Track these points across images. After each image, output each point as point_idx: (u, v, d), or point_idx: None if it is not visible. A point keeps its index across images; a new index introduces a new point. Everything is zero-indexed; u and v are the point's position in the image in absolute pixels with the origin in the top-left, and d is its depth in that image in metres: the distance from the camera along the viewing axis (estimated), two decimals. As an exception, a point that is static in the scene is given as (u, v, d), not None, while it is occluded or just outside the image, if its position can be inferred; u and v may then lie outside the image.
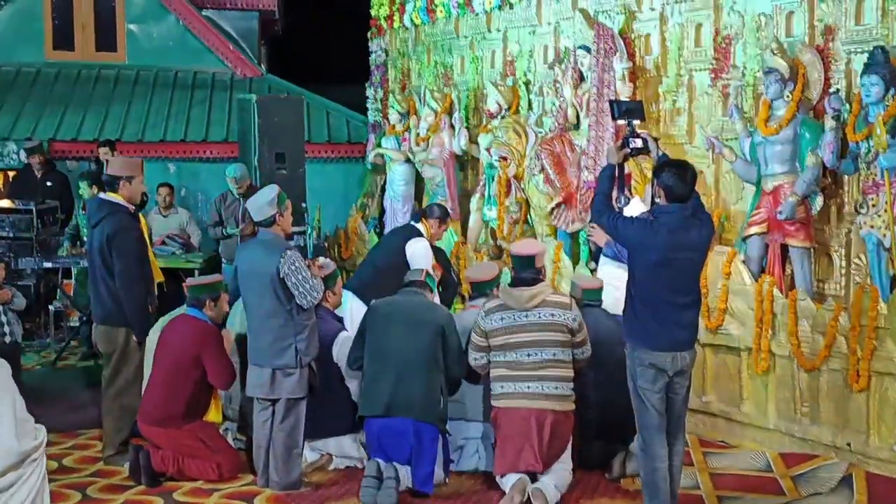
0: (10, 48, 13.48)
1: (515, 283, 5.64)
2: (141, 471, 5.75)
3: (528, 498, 5.31)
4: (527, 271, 5.62)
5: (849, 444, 5.69)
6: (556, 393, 5.50)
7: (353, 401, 6.02)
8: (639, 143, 5.25)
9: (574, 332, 5.53)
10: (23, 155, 11.42)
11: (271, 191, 5.67)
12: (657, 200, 4.92)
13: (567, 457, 5.59)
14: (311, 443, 5.95)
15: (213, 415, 6.08)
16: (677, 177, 4.78)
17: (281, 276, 5.44)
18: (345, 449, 6.03)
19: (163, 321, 6.34)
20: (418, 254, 6.89)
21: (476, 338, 5.64)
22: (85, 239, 8.14)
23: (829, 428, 5.84)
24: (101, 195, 6.15)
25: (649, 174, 6.82)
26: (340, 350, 5.98)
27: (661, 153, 5.23)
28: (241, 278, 5.69)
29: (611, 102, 5.72)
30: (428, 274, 6.15)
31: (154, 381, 5.94)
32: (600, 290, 6.15)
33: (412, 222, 7.48)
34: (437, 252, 7.31)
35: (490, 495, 5.60)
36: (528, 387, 5.49)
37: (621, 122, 5.52)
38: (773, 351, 6.10)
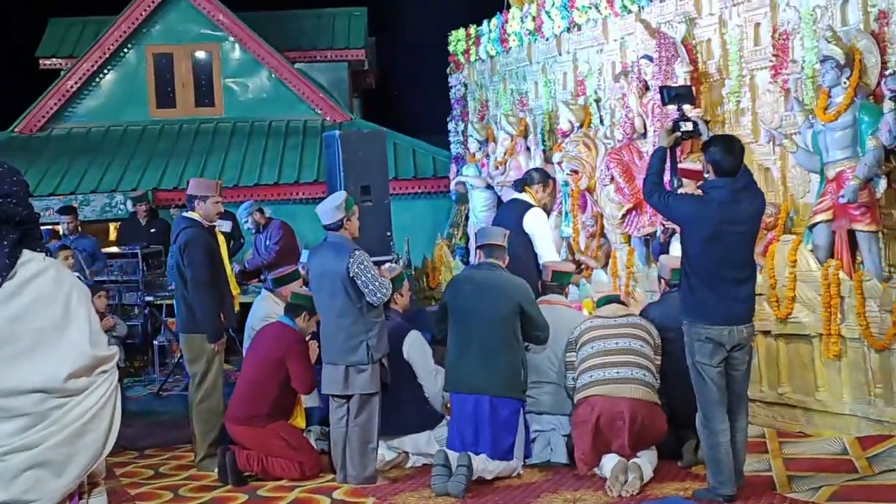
0: (117, 109, 14.48)
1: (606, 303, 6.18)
2: (228, 470, 6.06)
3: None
4: (615, 300, 6.22)
5: (924, 422, 5.60)
6: (644, 379, 5.70)
7: (427, 398, 6.24)
8: (689, 126, 5.39)
9: (656, 347, 5.89)
10: (129, 205, 12.16)
11: (339, 196, 6.00)
12: (706, 176, 5.03)
13: (654, 451, 5.73)
14: (387, 442, 6.16)
15: (298, 420, 6.37)
16: (724, 150, 4.89)
17: (351, 275, 5.72)
18: (421, 447, 6.22)
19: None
20: (539, 225, 6.85)
21: (569, 355, 6.03)
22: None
23: (903, 407, 5.76)
24: (182, 213, 6.64)
25: None
26: (411, 349, 6.21)
27: (710, 135, 5.36)
28: (313, 280, 6.01)
29: (661, 88, 5.87)
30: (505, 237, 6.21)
31: (242, 381, 6.30)
32: None
33: (516, 195, 7.21)
34: None
35: (563, 482, 5.71)
36: (618, 372, 5.71)
37: (671, 106, 5.65)
38: (843, 335, 6.06)
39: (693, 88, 6.39)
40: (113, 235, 12.70)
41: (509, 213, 7.05)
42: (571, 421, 5.87)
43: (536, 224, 6.87)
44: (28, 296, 2.51)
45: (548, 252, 6.88)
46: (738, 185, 4.95)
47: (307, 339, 6.42)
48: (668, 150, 5.39)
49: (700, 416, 5.10)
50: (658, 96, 7.72)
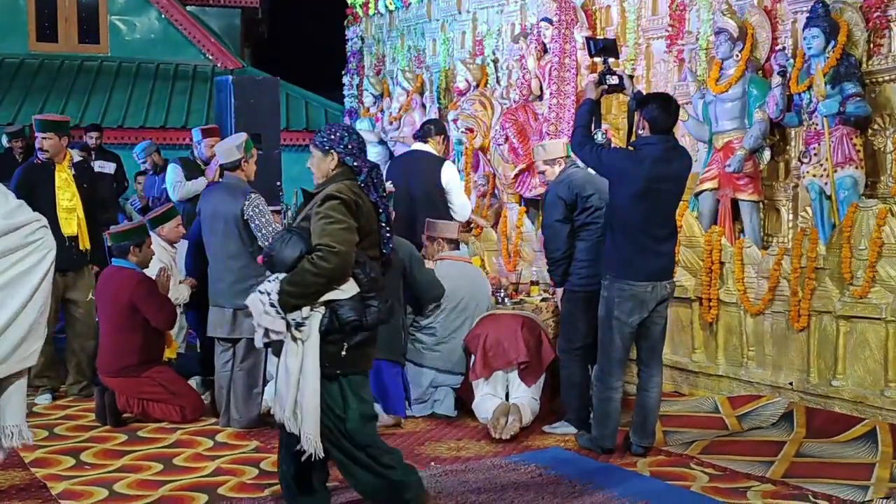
0: (-7, 40, 13.76)
1: None
2: (106, 411, 5.91)
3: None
4: None
5: (791, 384, 5.88)
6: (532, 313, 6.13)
7: (314, 346, 6.20)
8: (615, 80, 5.41)
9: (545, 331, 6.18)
10: (4, 140, 11.61)
11: (239, 136, 5.87)
12: (640, 132, 5.05)
13: (538, 392, 5.84)
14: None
15: (169, 352, 6.26)
16: (661, 109, 4.90)
17: (245, 217, 5.61)
18: (306, 393, 6.19)
19: None
20: (456, 179, 7.00)
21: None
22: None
23: (772, 369, 6.03)
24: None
25: None
26: (301, 295, 6.15)
27: (635, 90, 5.41)
28: (205, 221, 5.86)
29: (587, 39, 5.91)
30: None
31: (104, 334, 6.06)
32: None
33: (419, 146, 7.08)
34: None
35: (447, 432, 5.78)
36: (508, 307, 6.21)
37: (597, 59, 5.70)
38: (722, 299, 6.30)
39: (617, 42, 6.46)
40: (-16, 171, 12.14)
41: (424, 166, 6.90)
42: (465, 342, 6.03)
43: (453, 178, 6.94)
44: None
45: (466, 207, 7.08)
46: (670, 144, 4.97)
47: (161, 267, 6.20)
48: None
49: (598, 369, 5.18)
50: (556, 60, 7.89)
